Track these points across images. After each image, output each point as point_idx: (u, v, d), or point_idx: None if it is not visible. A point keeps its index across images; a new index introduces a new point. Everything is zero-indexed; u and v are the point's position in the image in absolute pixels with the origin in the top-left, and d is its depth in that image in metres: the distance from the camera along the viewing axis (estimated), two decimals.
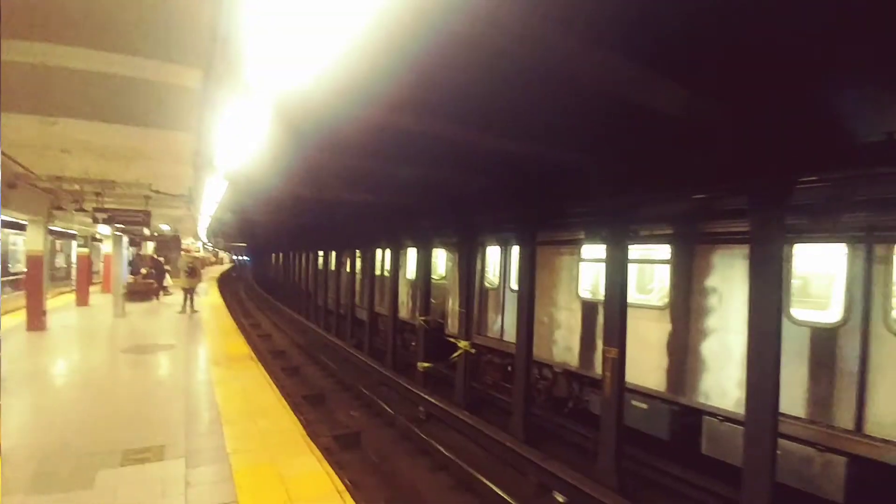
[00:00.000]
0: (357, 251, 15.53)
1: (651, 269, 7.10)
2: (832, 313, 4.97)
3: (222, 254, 64.86)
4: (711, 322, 5.91)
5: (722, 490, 5.51)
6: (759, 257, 4.35)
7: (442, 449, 6.84)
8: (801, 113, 3.66)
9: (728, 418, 5.53)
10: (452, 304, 10.57)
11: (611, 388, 5.74)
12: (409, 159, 4.89)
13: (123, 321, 12.61)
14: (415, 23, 2.12)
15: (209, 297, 19.96)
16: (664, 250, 6.55)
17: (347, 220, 12.14)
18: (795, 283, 5.40)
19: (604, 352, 5.85)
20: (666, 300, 6.45)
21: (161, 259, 20.42)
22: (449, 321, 10.72)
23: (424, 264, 10.33)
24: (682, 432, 6.12)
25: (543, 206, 6.93)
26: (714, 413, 5.68)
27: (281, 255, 29.01)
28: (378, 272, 13.99)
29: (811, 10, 2.22)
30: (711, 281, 5.95)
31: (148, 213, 10.64)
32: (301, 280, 22.21)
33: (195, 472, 4.05)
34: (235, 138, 4.11)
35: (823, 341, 4.88)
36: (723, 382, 5.65)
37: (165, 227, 19.48)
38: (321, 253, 18.84)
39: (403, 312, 12.46)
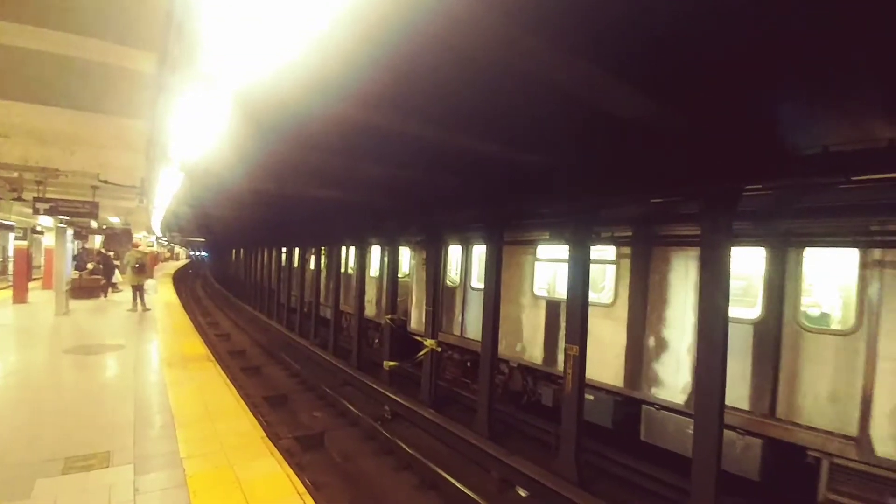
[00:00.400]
0: (322, 248, 15.23)
1: (601, 269, 7.39)
2: (755, 311, 5.45)
3: (178, 249, 62.02)
4: (653, 319, 6.26)
5: (657, 473, 5.95)
6: (709, 259, 4.57)
7: (406, 447, 6.82)
8: (748, 126, 3.86)
9: (664, 407, 5.94)
10: (415, 302, 10.62)
11: (572, 384, 5.88)
12: (378, 157, 4.82)
13: (67, 320, 11.80)
14: (390, 19, 2.08)
15: (164, 294, 19.02)
16: (611, 251, 6.88)
17: (312, 217, 11.86)
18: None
19: (565, 349, 5.99)
20: (612, 298, 6.79)
21: (110, 254, 19.27)
22: (412, 318, 10.73)
23: (391, 262, 10.25)
24: (623, 421, 6.56)
25: (511, 207, 7.02)
26: (651, 403, 6.14)
27: (241, 251, 28.06)
28: (343, 270, 13.81)
29: (754, 35, 2.38)
30: (654, 281, 6.29)
31: (95, 205, 10.02)
32: (263, 277, 21.56)
33: (145, 478, 3.84)
34: (193, 128, 3.90)
35: (744, 335, 5.41)
36: (661, 375, 6.08)
37: (115, 220, 18.40)
38: (284, 250, 18.34)
39: (369, 311, 12.33)
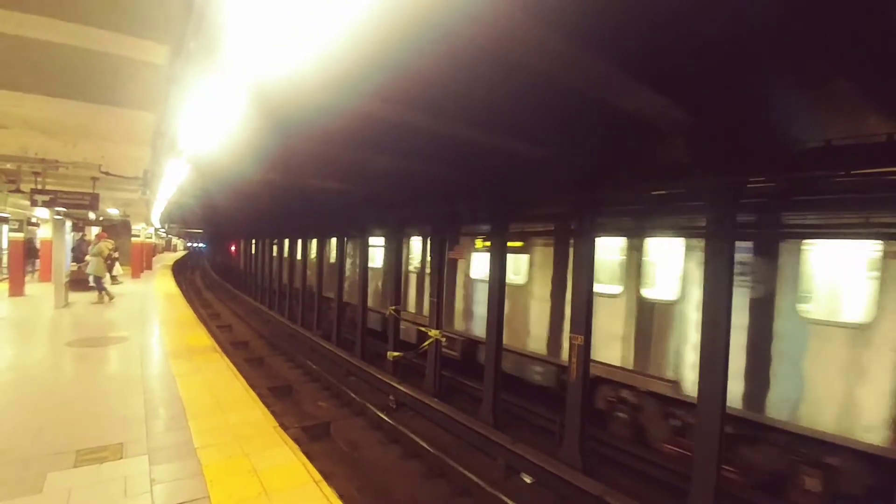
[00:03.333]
0: (326, 240, 15.23)
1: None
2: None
3: (176, 240, 61.76)
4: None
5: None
6: (714, 250, 4.62)
7: (413, 436, 6.91)
8: (752, 120, 3.88)
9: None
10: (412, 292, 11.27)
11: (576, 373, 5.96)
12: (389, 150, 4.80)
13: (67, 312, 11.75)
14: (421, 18, 2.08)
15: (164, 285, 18.99)
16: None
17: (318, 209, 11.87)
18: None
19: (570, 339, 6.07)
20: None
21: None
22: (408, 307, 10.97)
23: (395, 254, 10.28)
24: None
25: (515, 201, 7.09)
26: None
27: (242, 242, 27.98)
28: (349, 261, 13.88)
29: (760, 37, 2.41)
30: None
31: (96, 196, 9.95)
32: (264, 269, 21.54)
33: (160, 468, 3.88)
34: (206, 120, 3.88)
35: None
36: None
37: (114, 212, 18.28)
38: (287, 241, 18.33)
39: (373, 302, 12.41)
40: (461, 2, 2.12)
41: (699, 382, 4.72)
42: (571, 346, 6.05)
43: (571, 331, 6.09)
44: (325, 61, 2.47)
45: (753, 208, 5.25)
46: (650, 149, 5.02)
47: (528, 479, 6.04)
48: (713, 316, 4.62)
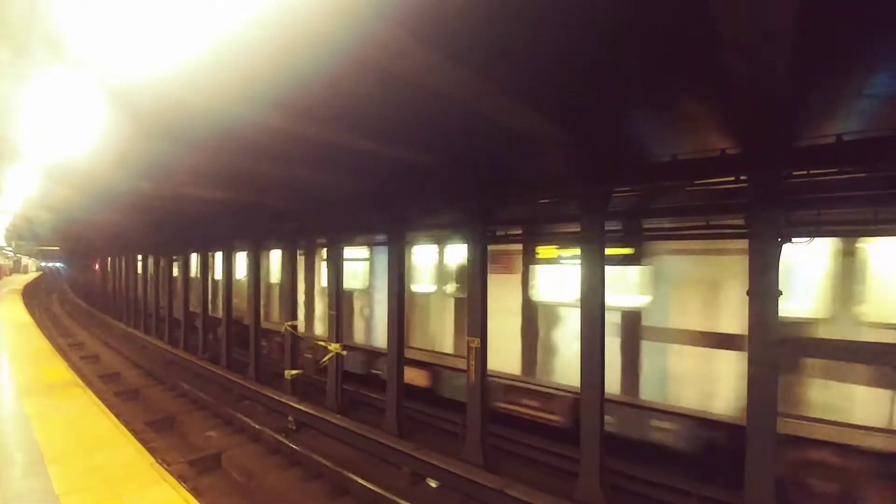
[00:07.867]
0: (211, 254, 14.08)
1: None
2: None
3: (26, 260, 52.19)
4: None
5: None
6: (586, 254, 5.22)
7: (315, 456, 6.67)
8: (614, 137, 4.50)
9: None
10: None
11: (475, 374, 6.26)
12: (285, 159, 4.66)
13: None
14: (296, 27, 2.13)
15: (13, 314, 15.96)
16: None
17: (202, 220, 10.92)
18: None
19: (468, 342, 6.36)
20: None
21: None
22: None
23: (290, 267, 9.88)
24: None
25: (412, 209, 7.25)
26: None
27: (111, 260, 24.59)
28: (237, 276, 12.98)
29: (618, 63, 2.86)
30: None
31: None
32: (138, 289, 19.17)
33: None
34: (57, 124, 3.44)
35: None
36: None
37: None
38: (164, 258, 16.54)
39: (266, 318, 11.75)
40: (353, 22, 2.23)
41: (581, 374, 5.26)
42: (469, 349, 6.33)
43: (468, 334, 6.39)
44: (205, 65, 2.37)
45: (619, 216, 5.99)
46: (535, 162, 5.49)
47: (433, 484, 6.17)
48: (590, 312, 5.18)
